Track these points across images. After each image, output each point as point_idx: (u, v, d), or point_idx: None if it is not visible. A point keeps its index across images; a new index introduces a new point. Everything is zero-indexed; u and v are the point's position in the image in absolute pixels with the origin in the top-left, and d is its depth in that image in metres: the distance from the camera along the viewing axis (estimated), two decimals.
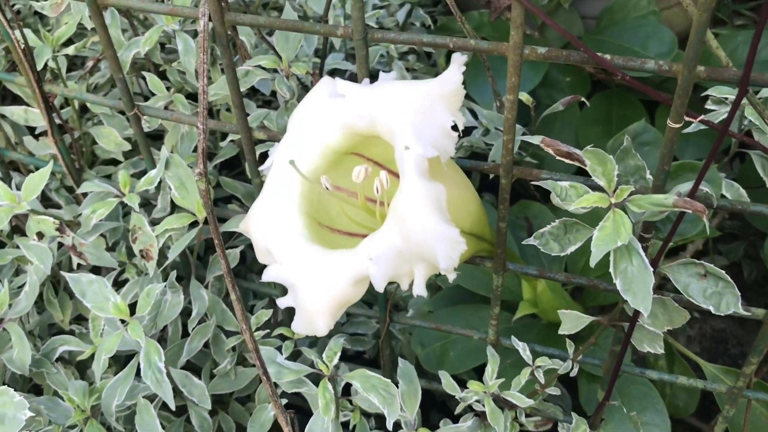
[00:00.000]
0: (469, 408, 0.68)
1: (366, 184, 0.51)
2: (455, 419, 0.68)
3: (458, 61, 0.44)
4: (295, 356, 0.69)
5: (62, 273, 0.61)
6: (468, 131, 0.86)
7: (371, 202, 0.54)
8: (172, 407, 0.57)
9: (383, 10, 1.01)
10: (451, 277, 0.43)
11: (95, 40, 0.70)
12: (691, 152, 0.94)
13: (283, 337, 0.69)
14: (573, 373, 0.62)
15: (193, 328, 0.65)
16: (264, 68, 0.63)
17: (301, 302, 0.47)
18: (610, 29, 1.03)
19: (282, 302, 0.49)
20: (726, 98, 0.66)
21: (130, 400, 0.61)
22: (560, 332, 0.61)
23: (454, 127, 0.44)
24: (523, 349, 0.64)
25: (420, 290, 0.44)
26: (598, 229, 0.47)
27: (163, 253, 0.69)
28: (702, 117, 0.46)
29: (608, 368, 0.65)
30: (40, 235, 0.67)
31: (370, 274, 0.44)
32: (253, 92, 0.79)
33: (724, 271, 0.50)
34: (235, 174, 0.90)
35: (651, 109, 1.04)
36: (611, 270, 0.48)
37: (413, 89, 0.45)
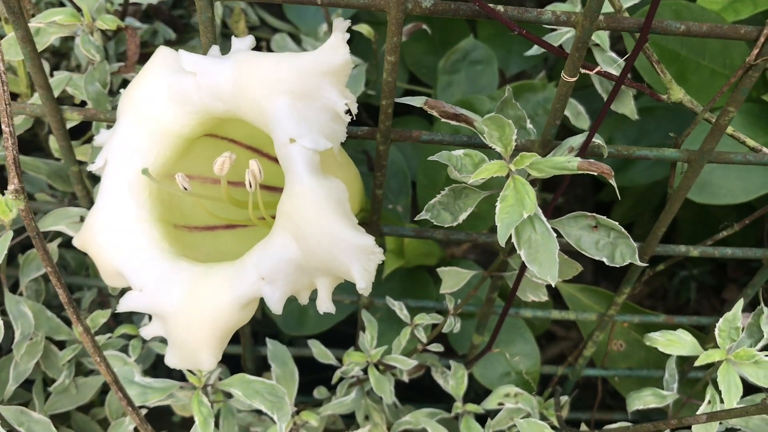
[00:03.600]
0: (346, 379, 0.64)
1: (230, 171, 0.42)
2: (331, 387, 0.64)
3: (340, 27, 0.36)
4: (145, 357, 0.60)
5: None
6: None
7: (235, 186, 0.45)
8: None
9: None
10: (362, 285, 0.36)
11: None
12: None
13: (128, 336, 0.59)
14: (456, 329, 0.59)
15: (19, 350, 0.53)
16: (61, 25, 0.50)
17: (175, 335, 0.39)
18: None
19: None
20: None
21: None
22: (442, 291, 0.57)
23: (349, 113, 0.37)
24: (400, 309, 0.60)
25: (326, 306, 0.37)
26: (500, 200, 0.43)
27: None
28: (598, 69, 0.43)
29: (484, 313, 0.64)
30: None
31: (265, 295, 0.37)
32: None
33: (616, 222, 0.48)
34: (33, 152, 0.73)
35: (470, 22, 1.00)
36: (514, 240, 0.44)
37: (290, 64, 0.36)
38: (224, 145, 0.44)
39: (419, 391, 0.77)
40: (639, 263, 0.47)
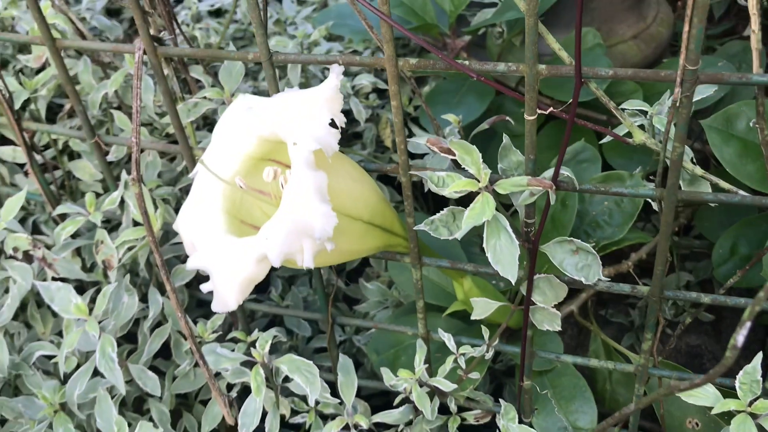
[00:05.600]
0: (407, 400, 0.74)
1: (278, 185, 0.59)
2: None
3: (336, 71, 0.53)
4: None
5: (35, 282, 0.70)
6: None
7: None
8: (122, 391, 0.65)
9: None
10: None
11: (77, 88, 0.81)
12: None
13: (236, 340, 0.76)
14: (488, 356, 0.68)
15: (152, 331, 0.72)
16: (209, 99, 0.72)
17: (216, 284, 0.55)
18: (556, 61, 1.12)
19: (204, 288, 0.57)
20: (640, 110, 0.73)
21: (92, 393, 0.69)
22: (472, 317, 0.67)
23: (334, 125, 0.52)
24: (448, 339, 0.70)
25: (308, 263, 0.51)
26: (468, 209, 0.54)
27: (135, 267, 0.78)
28: (551, 109, 0.54)
29: (525, 353, 0.71)
30: (28, 258, 0.76)
31: (267, 251, 0.52)
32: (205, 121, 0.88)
33: (590, 246, 0.56)
34: None
35: (599, 138, 1.11)
36: (484, 245, 0.55)
37: (302, 96, 0.54)
38: (277, 166, 0.61)
39: None
40: (604, 278, 0.54)
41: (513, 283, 0.54)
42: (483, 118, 1.07)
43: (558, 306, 0.88)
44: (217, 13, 1.25)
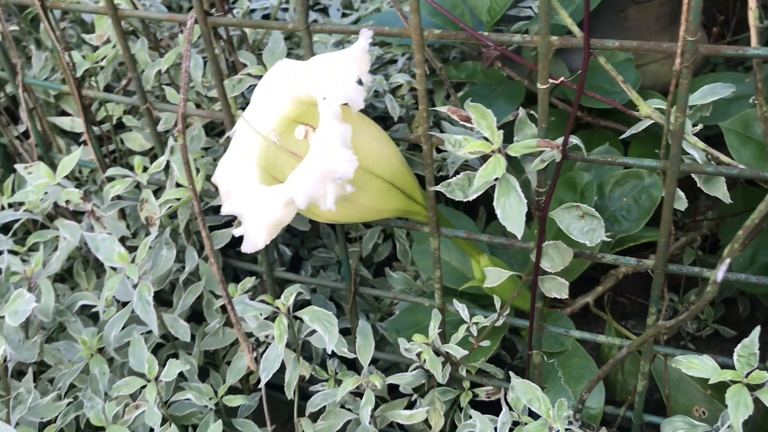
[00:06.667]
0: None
1: (307, 144, 0.64)
2: None
3: (365, 35, 0.58)
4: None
5: (83, 233, 0.76)
6: None
7: None
8: (156, 333, 0.70)
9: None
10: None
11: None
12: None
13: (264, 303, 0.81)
14: (498, 323, 0.71)
15: (185, 285, 0.78)
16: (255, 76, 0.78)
17: (247, 226, 0.60)
18: (588, 72, 1.16)
19: (236, 231, 0.62)
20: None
21: (127, 338, 0.74)
22: (484, 285, 0.71)
23: (361, 84, 0.58)
24: (462, 309, 0.74)
25: (330, 205, 0.56)
26: (481, 169, 0.58)
27: (174, 235, 0.84)
28: (562, 78, 0.58)
29: (534, 326, 0.74)
30: (76, 218, 0.82)
31: (293, 195, 0.57)
32: None
33: (594, 209, 0.60)
34: None
35: (626, 144, 1.14)
36: (494, 204, 0.59)
37: (333, 58, 0.59)
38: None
39: None
40: (605, 238, 0.58)
41: (519, 237, 0.58)
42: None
43: (573, 298, 0.91)
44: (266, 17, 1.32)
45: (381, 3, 1.46)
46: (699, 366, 0.64)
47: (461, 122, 0.62)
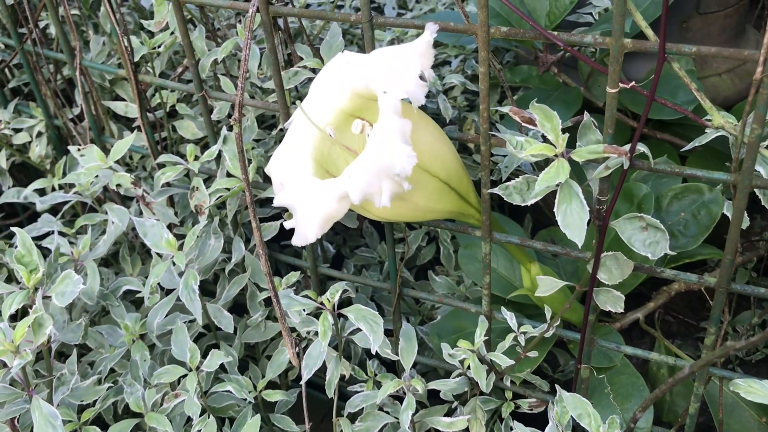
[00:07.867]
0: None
1: (364, 140, 0.63)
2: None
3: (430, 29, 0.57)
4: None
5: (132, 218, 0.76)
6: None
7: None
8: (200, 322, 0.69)
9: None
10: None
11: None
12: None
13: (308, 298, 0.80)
14: (548, 334, 0.69)
15: (230, 276, 0.77)
16: (311, 69, 0.77)
17: (299, 219, 0.59)
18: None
19: (287, 224, 0.61)
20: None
21: (170, 326, 0.73)
22: (536, 294, 0.69)
23: (423, 79, 0.56)
24: (510, 318, 0.72)
25: (385, 202, 0.55)
26: (543, 173, 0.56)
27: (222, 226, 0.83)
28: (632, 83, 0.56)
29: (585, 339, 0.72)
30: (125, 203, 0.82)
31: (348, 189, 0.55)
32: None
33: (658, 221, 0.58)
34: None
35: (683, 158, 1.11)
36: (555, 209, 0.57)
37: (395, 51, 0.58)
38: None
39: None
40: (669, 252, 0.55)
41: (579, 246, 0.56)
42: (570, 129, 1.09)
43: (623, 313, 0.88)
44: None
45: (435, 3, 1.44)
46: (759, 391, 0.61)
47: (523, 124, 0.60)
